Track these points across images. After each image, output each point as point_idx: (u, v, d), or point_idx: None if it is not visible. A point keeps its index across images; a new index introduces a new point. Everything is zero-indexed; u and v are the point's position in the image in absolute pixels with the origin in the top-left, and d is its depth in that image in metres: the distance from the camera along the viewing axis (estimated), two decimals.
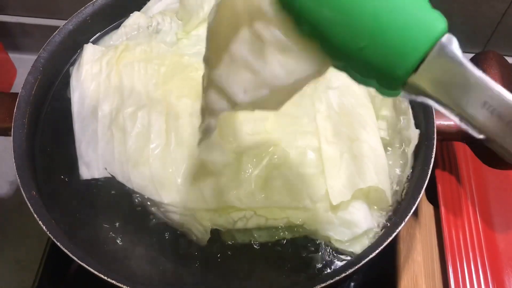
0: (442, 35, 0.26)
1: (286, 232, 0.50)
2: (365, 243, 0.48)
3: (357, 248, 0.48)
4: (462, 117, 0.28)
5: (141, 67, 0.59)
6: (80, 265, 0.45)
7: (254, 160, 0.52)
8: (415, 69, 0.27)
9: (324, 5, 0.28)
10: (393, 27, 0.26)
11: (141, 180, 0.51)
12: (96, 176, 0.53)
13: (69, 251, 0.45)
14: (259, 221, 0.49)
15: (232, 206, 0.49)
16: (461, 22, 0.75)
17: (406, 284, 0.56)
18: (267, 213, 0.49)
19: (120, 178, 0.52)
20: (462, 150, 0.63)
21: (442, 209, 0.58)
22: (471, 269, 0.55)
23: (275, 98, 0.36)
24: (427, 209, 0.61)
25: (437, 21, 0.27)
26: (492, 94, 0.27)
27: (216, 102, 0.37)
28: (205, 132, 0.41)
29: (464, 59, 0.27)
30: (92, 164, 0.53)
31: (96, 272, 0.44)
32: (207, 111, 0.40)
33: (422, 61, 0.26)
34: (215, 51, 0.36)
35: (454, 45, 0.27)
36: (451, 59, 0.27)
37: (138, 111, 0.55)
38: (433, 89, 0.27)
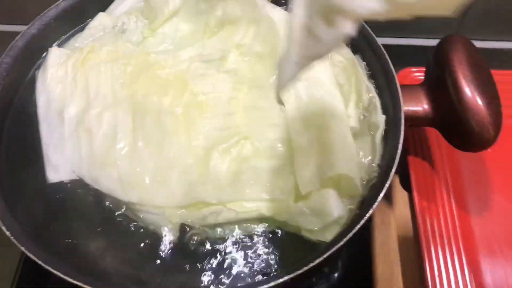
0: None
1: (257, 225, 0.50)
2: (336, 231, 0.48)
3: (328, 236, 0.48)
4: None
5: (107, 68, 0.58)
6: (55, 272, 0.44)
7: (223, 154, 0.52)
8: None
9: None
10: None
11: (109, 181, 0.51)
12: (64, 179, 0.52)
13: (35, 256, 0.44)
14: (229, 215, 0.49)
15: (202, 201, 0.49)
16: None
17: (383, 272, 0.55)
18: (237, 207, 0.49)
19: (88, 180, 0.52)
20: (435, 136, 0.63)
21: (415, 196, 0.58)
22: (446, 255, 0.54)
23: None
24: (401, 196, 0.61)
25: None
26: None
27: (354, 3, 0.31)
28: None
29: None
30: (59, 167, 0.53)
31: (66, 278, 0.44)
32: (331, 16, 0.33)
33: None
34: None
35: None
36: None
37: (104, 112, 0.54)
38: None
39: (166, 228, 0.49)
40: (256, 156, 0.52)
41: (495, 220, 0.59)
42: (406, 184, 0.61)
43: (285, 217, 0.49)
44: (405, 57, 0.74)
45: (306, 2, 0.36)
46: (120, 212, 0.51)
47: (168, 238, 0.49)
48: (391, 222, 0.59)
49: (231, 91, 0.57)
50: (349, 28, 0.33)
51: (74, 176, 0.52)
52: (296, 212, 0.49)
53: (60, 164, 0.53)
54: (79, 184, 0.52)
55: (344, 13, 0.32)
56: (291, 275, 0.42)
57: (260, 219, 0.50)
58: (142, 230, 0.50)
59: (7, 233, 0.45)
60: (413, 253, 0.57)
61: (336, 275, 0.67)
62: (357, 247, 0.63)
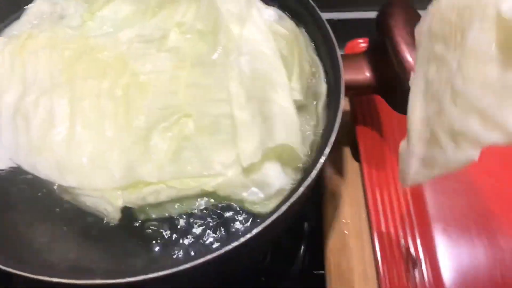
0: None
1: (199, 201, 0.49)
2: (279, 202, 0.47)
3: (271, 207, 0.47)
4: None
5: (45, 54, 0.57)
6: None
7: (164, 133, 0.51)
8: None
9: None
10: None
11: (46, 167, 0.49)
12: (1, 167, 0.51)
13: None
14: (170, 193, 0.48)
15: (142, 181, 0.48)
16: None
17: (335, 244, 0.55)
18: (178, 184, 0.48)
19: (26, 167, 0.50)
20: (384, 105, 0.62)
21: (364, 166, 0.57)
22: (397, 225, 0.54)
23: None
24: (352, 167, 0.61)
25: None
26: None
27: (479, 132, 0.32)
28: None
29: None
30: None
31: (6, 268, 0.42)
32: (457, 137, 0.34)
33: None
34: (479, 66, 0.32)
35: None
36: None
37: (40, 98, 0.52)
38: None
39: (107, 211, 0.48)
40: (198, 133, 0.51)
41: (447, 188, 0.59)
42: (357, 155, 0.61)
43: (228, 191, 0.48)
44: (354, 30, 0.74)
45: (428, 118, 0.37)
46: (60, 198, 0.50)
47: (110, 221, 0.48)
48: (342, 194, 0.59)
49: (173, 69, 0.56)
50: (471, 154, 0.33)
51: (12, 164, 0.51)
52: (238, 186, 0.48)
53: None
54: (17, 171, 0.50)
55: (467, 139, 0.33)
56: (229, 247, 0.41)
57: (203, 195, 0.49)
58: (83, 214, 0.49)
59: None
60: (365, 224, 0.57)
61: (294, 250, 0.67)
62: (316, 221, 0.63)
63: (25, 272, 0.42)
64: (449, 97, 0.35)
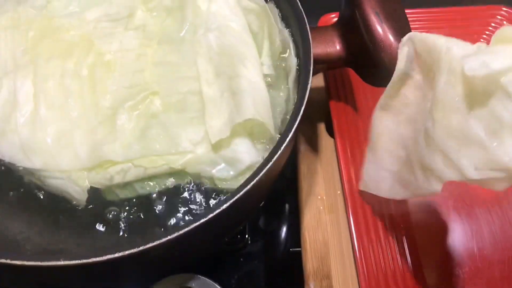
0: None
1: (168, 180, 0.48)
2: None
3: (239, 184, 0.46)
4: None
5: (7, 35, 0.55)
6: None
7: (130, 112, 0.50)
8: None
9: None
10: None
11: (10, 149, 0.48)
12: None
13: None
14: (138, 172, 0.47)
15: (108, 160, 0.47)
16: None
17: (310, 221, 0.54)
18: (145, 163, 0.47)
19: None
20: (359, 80, 0.62)
21: (338, 141, 0.57)
22: (372, 200, 0.54)
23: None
24: (327, 143, 0.60)
25: None
26: None
27: (442, 170, 0.37)
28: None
29: None
30: None
31: None
32: (426, 170, 0.39)
33: None
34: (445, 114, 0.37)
35: None
36: None
37: (3, 79, 0.51)
38: None
39: (74, 192, 0.47)
40: (165, 110, 0.50)
41: None
42: (332, 131, 0.60)
43: (197, 168, 0.47)
44: (327, 5, 0.72)
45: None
46: (27, 181, 0.48)
47: (77, 202, 0.47)
48: (317, 170, 0.58)
49: (140, 47, 0.55)
50: (437, 187, 0.38)
51: None
52: (208, 163, 0.47)
53: None
54: None
55: (433, 174, 0.38)
56: (198, 223, 0.40)
57: (171, 173, 0.48)
58: (50, 196, 0.48)
59: None
60: (340, 200, 0.56)
61: (273, 230, 0.66)
62: (294, 199, 0.62)
63: None
64: (423, 134, 0.39)
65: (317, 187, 0.56)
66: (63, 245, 0.47)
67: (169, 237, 0.39)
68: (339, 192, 0.56)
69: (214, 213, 0.40)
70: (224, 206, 0.41)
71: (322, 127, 0.61)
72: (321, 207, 0.55)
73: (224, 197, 0.46)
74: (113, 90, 0.51)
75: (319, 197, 0.56)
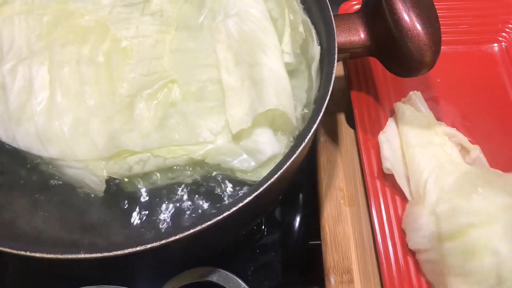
0: None
1: (188, 171, 0.47)
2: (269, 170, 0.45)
3: (264, 175, 0.45)
4: None
5: (21, 20, 0.54)
6: None
7: (149, 100, 0.48)
8: None
9: None
10: None
11: (26, 138, 0.47)
12: None
13: None
14: (157, 163, 0.46)
15: (127, 150, 0.46)
16: None
17: (330, 212, 0.53)
18: (164, 153, 0.46)
19: (4, 138, 0.48)
20: (380, 69, 0.60)
21: (359, 131, 0.55)
22: (393, 189, 0.52)
23: None
24: (347, 134, 0.58)
25: None
26: None
27: None
28: None
29: None
30: None
31: None
32: None
33: None
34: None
35: None
36: None
37: (18, 65, 0.50)
38: None
39: (91, 182, 0.46)
40: (184, 99, 0.49)
41: None
42: (352, 122, 0.59)
43: (217, 159, 0.46)
44: None
45: None
46: (42, 170, 0.47)
47: (95, 193, 0.46)
48: (337, 161, 0.57)
49: (157, 34, 0.53)
50: None
51: None
52: (228, 154, 0.46)
53: None
54: None
55: None
56: (220, 217, 0.39)
57: (191, 164, 0.47)
58: (67, 186, 0.47)
59: None
60: (361, 190, 0.55)
61: (289, 221, 0.65)
62: (311, 191, 0.61)
63: (7, 248, 0.40)
64: None
65: (337, 179, 0.55)
66: (78, 237, 0.46)
67: (192, 230, 0.38)
68: (359, 184, 0.55)
69: (239, 205, 0.39)
70: (250, 198, 0.40)
71: (342, 117, 0.59)
72: (341, 200, 0.54)
73: (248, 189, 0.45)
74: (130, 77, 0.50)
75: (339, 188, 0.54)
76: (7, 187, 0.48)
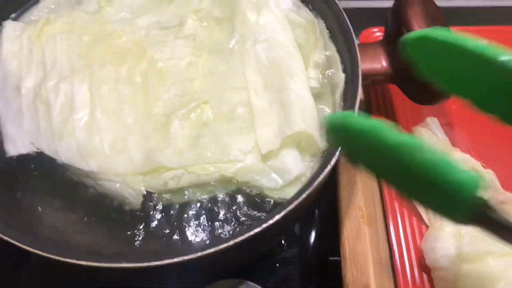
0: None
1: (219, 187, 0.50)
2: (297, 189, 0.48)
3: (290, 193, 0.48)
4: None
5: (63, 39, 0.57)
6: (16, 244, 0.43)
7: (183, 120, 0.51)
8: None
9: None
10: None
11: (68, 152, 0.50)
12: (23, 151, 0.51)
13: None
14: (191, 179, 0.49)
15: (162, 166, 0.49)
16: None
17: (350, 230, 0.56)
18: (198, 170, 0.49)
19: (47, 152, 0.51)
20: (399, 94, 0.63)
21: None
22: (410, 210, 0.55)
23: None
24: None
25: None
26: None
27: None
28: None
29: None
30: (17, 140, 0.52)
31: (22, 245, 0.43)
32: None
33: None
34: None
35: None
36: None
37: (61, 83, 0.53)
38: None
39: (129, 196, 0.49)
40: (216, 120, 0.52)
41: None
42: None
43: (247, 177, 0.49)
44: (368, 19, 0.74)
45: None
46: (82, 182, 0.50)
47: (131, 206, 0.49)
48: (357, 181, 0.59)
49: (190, 56, 0.56)
50: None
51: (33, 149, 0.51)
52: (257, 172, 0.49)
53: (18, 137, 0.52)
54: (38, 156, 0.51)
55: None
56: (251, 233, 0.42)
57: (223, 181, 0.49)
58: (105, 199, 0.50)
59: None
60: (379, 210, 0.58)
61: (309, 237, 0.68)
62: (328, 207, 0.63)
63: (51, 254, 0.42)
64: None
65: (357, 198, 0.58)
66: (112, 247, 0.48)
67: (226, 244, 0.41)
68: (378, 203, 0.58)
69: (270, 222, 0.42)
70: (280, 215, 0.43)
71: None
72: (361, 219, 0.56)
73: (275, 205, 0.48)
74: (165, 98, 0.53)
75: (358, 207, 0.57)
76: (48, 197, 0.51)
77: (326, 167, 0.45)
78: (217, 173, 0.49)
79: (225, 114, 0.52)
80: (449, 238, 0.50)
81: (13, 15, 0.63)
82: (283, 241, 0.65)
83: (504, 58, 0.32)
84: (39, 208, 0.50)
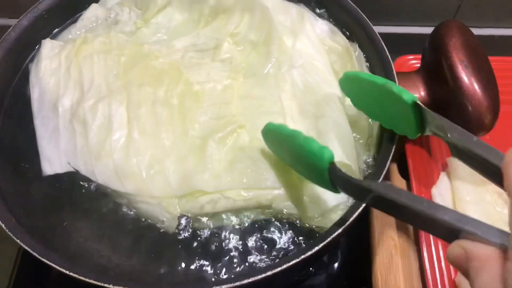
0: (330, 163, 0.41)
1: (255, 213, 0.50)
2: (335, 218, 0.47)
3: (327, 223, 0.47)
4: None
5: (100, 59, 0.58)
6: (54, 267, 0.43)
7: (220, 143, 0.51)
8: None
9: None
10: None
11: (104, 173, 0.50)
12: (59, 171, 0.51)
13: (30, 248, 0.44)
14: (227, 204, 0.48)
15: (199, 190, 0.48)
16: None
17: (382, 260, 0.55)
18: (234, 195, 0.49)
19: (83, 172, 0.51)
20: None
21: (413, 183, 0.57)
22: (444, 241, 0.54)
23: None
24: (400, 184, 0.60)
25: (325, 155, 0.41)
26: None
27: None
28: None
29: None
30: (54, 159, 0.52)
31: (61, 269, 0.43)
32: None
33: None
34: None
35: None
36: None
37: (98, 103, 0.53)
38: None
39: (164, 219, 0.49)
40: (252, 144, 0.52)
41: None
42: (405, 172, 0.61)
43: (282, 205, 0.49)
44: (402, 45, 0.74)
45: None
46: (117, 204, 0.50)
47: (167, 229, 0.49)
48: None
49: (226, 80, 0.57)
50: None
51: (69, 168, 0.51)
52: (294, 200, 0.49)
53: (54, 157, 0.52)
54: (75, 176, 0.51)
55: None
56: (289, 264, 0.42)
57: (258, 207, 0.49)
58: (140, 221, 0.49)
59: (2, 225, 0.45)
60: (412, 241, 0.57)
61: (335, 264, 0.67)
62: (356, 235, 0.63)
63: (76, 273, 0.43)
64: None
65: (389, 228, 0.57)
66: (145, 270, 0.48)
67: (264, 275, 0.41)
68: (411, 234, 0.57)
69: (309, 253, 0.42)
70: (319, 246, 0.43)
71: (394, 168, 0.62)
72: (393, 249, 0.56)
73: (315, 236, 0.47)
74: (201, 120, 0.53)
75: (390, 236, 0.56)
76: (83, 218, 0.50)
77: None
78: (253, 199, 0.49)
79: (261, 139, 0.52)
80: None
81: (51, 34, 0.63)
82: (311, 268, 0.64)
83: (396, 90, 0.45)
84: (72, 228, 0.49)
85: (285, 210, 0.49)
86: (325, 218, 0.48)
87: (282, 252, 0.47)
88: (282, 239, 0.48)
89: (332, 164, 0.41)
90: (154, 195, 0.49)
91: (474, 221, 0.31)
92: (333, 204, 0.48)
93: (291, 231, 0.49)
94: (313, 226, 0.48)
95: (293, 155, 0.46)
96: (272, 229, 0.49)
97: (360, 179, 0.42)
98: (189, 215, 0.49)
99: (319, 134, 0.51)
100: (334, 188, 0.42)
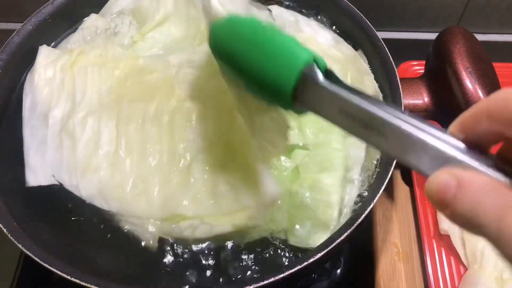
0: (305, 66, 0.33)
1: (237, 236, 0.49)
2: (323, 236, 0.47)
3: (316, 242, 0.47)
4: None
5: (94, 71, 0.57)
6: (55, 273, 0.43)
7: (204, 165, 0.50)
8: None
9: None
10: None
11: (89, 189, 0.50)
12: (43, 183, 0.51)
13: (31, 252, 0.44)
14: (205, 229, 0.48)
15: (180, 214, 0.48)
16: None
17: (385, 267, 0.55)
18: (213, 221, 0.48)
19: (68, 186, 0.50)
20: None
21: (417, 190, 0.57)
22: (448, 249, 0.54)
23: None
24: (403, 191, 0.60)
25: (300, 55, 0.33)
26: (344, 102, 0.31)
27: None
28: None
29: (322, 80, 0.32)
30: (38, 171, 0.51)
31: (63, 274, 0.43)
32: None
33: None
34: None
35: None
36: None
37: (88, 117, 0.53)
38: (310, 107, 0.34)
39: (145, 239, 0.48)
40: (231, 167, 0.50)
41: None
42: (408, 179, 0.61)
43: (258, 223, 0.48)
44: (405, 51, 0.74)
45: None
46: (101, 219, 0.50)
47: (147, 249, 0.48)
48: (392, 217, 0.58)
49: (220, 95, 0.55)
50: None
51: (54, 181, 0.51)
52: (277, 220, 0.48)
53: (39, 168, 0.52)
54: (59, 189, 0.50)
55: None
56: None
57: (238, 231, 0.48)
58: (123, 238, 0.49)
59: (4, 230, 0.45)
60: (415, 248, 0.57)
61: (338, 271, 0.66)
62: (359, 242, 0.62)
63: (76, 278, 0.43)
64: None
65: (392, 235, 0.57)
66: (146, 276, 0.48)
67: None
68: (414, 241, 0.57)
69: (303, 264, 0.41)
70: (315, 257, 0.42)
71: (397, 174, 0.62)
72: (396, 256, 0.55)
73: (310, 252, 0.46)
74: (190, 139, 0.52)
75: (393, 243, 0.56)
76: (67, 231, 0.50)
77: (368, 207, 0.45)
78: (231, 225, 0.48)
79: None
80: (490, 282, 0.49)
81: (54, 42, 0.63)
82: (313, 274, 0.63)
83: None
84: (57, 240, 0.49)
85: (274, 230, 0.48)
86: (313, 236, 0.47)
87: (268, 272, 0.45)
88: (269, 261, 0.48)
89: (308, 67, 0.33)
90: (137, 215, 0.48)
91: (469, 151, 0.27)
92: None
93: (278, 251, 0.48)
94: (302, 246, 0.47)
95: (254, 57, 0.36)
96: (255, 250, 0.48)
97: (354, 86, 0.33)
98: (169, 238, 0.48)
99: None
100: (298, 107, 0.35)
